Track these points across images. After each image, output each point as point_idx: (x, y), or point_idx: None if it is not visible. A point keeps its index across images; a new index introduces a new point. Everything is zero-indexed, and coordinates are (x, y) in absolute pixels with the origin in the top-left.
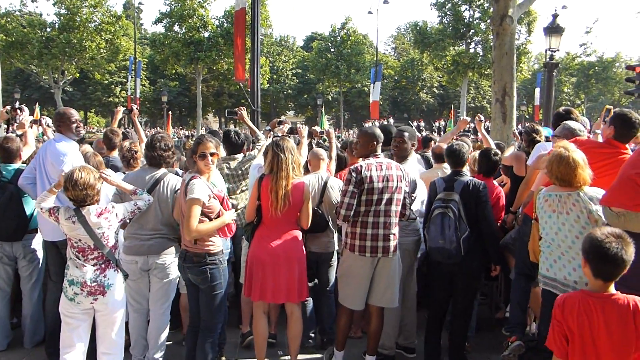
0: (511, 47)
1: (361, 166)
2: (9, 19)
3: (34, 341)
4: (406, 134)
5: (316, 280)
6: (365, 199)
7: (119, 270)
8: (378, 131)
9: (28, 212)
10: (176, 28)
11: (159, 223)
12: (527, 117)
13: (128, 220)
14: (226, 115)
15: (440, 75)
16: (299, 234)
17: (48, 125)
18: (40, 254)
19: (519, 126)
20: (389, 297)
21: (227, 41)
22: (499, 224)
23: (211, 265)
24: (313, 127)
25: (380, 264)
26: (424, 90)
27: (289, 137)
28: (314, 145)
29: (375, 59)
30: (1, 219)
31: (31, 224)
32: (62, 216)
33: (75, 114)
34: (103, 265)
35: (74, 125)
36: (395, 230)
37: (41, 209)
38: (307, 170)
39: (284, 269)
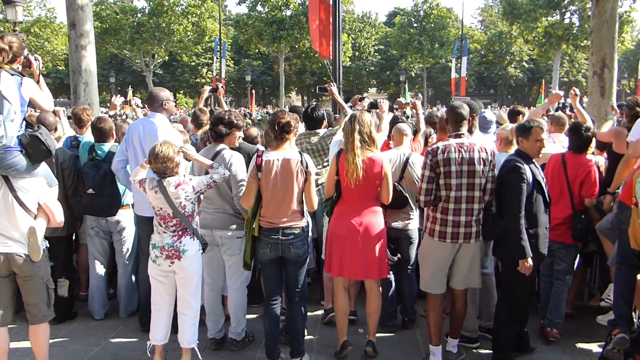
0: (612, 15)
1: (437, 148)
2: (103, 7)
3: (128, 311)
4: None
5: (399, 255)
6: (443, 184)
7: (195, 238)
8: (467, 108)
9: (121, 190)
10: (259, 8)
11: (219, 197)
12: (629, 91)
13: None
14: (317, 91)
15: (531, 49)
16: (379, 209)
17: (138, 106)
18: (132, 229)
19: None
20: (472, 278)
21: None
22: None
23: (307, 236)
24: (398, 99)
25: (462, 249)
26: (513, 65)
27: (369, 111)
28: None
29: (460, 33)
30: (97, 196)
31: (124, 201)
32: (147, 186)
33: (168, 94)
34: (180, 232)
35: (168, 103)
36: (478, 216)
37: (134, 181)
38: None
39: (363, 245)
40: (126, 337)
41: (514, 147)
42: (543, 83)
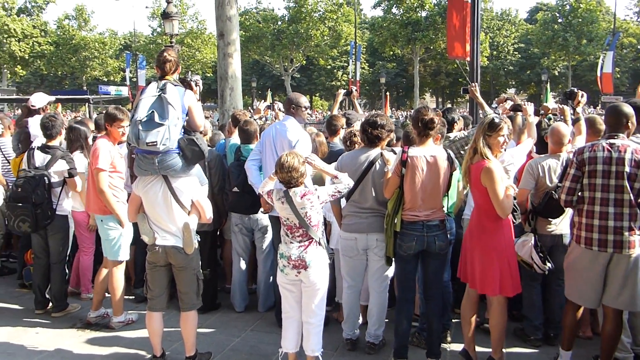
0: None
1: (585, 146)
2: (247, 16)
3: (265, 306)
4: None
5: (549, 265)
6: (587, 183)
7: (321, 248)
8: (627, 108)
9: None
10: (394, 10)
11: (375, 202)
12: None
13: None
14: (461, 92)
15: None
16: (504, 222)
17: (280, 110)
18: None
19: None
20: (625, 300)
21: (445, 19)
22: None
23: (448, 231)
24: (545, 104)
25: (614, 261)
26: None
27: (512, 114)
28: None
29: (612, 26)
30: (241, 194)
31: None
32: (274, 197)
33: (304, 100)
34: (307, 243)
35: (304, 109)
36: (631, 223)
37: (262, 192)
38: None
39: (479, 257)
40: (264, 331)
41: None
42: None
